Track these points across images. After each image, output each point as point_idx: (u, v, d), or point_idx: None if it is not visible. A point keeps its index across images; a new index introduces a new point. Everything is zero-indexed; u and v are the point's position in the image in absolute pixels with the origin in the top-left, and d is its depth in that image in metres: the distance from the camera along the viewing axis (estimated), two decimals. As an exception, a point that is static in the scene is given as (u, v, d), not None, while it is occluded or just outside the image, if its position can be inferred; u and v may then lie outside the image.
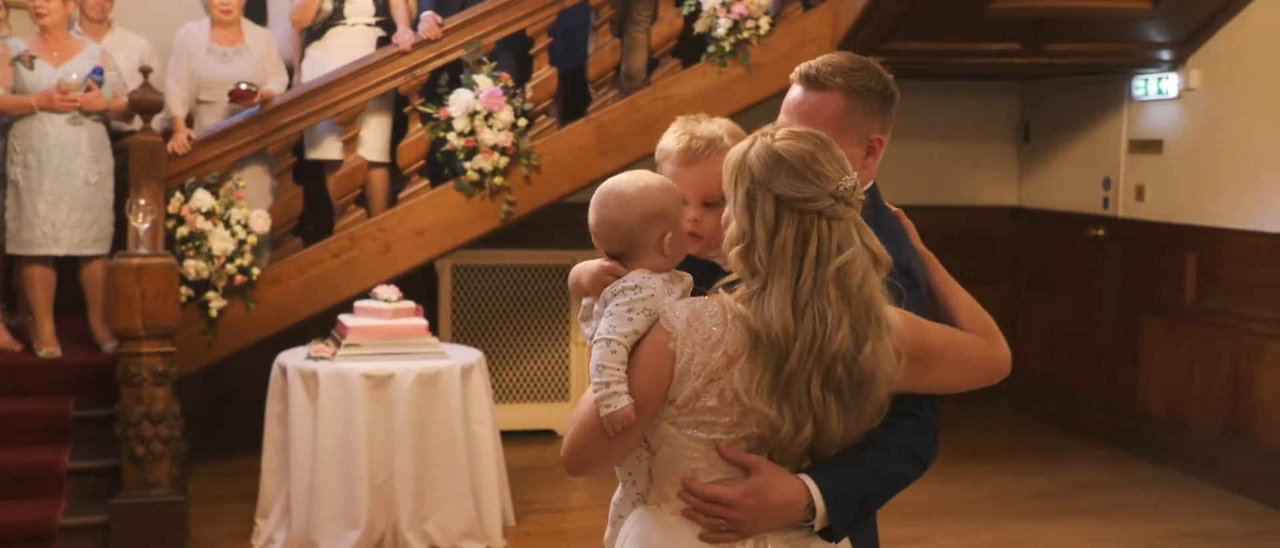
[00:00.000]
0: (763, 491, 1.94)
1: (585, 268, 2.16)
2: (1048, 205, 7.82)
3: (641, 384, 1.94)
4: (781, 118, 2.27)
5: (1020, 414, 7.80)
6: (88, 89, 5.51)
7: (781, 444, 1.94)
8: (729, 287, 1.97)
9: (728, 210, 1.98)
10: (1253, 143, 6.14)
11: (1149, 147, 6.91)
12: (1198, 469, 6.39)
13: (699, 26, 6.07)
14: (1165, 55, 6.56)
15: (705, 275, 2.12)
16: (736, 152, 1.99)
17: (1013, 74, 7.64)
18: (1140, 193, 6.96)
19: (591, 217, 2.15)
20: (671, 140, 2.30)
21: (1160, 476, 6.47)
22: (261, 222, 5.71)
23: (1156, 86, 6.79)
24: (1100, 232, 7.23)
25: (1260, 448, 6.03)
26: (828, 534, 2.02)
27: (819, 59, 2.26)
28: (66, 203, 5.47)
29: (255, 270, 5.71)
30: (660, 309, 1.99)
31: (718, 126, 2.28)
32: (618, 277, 2.08)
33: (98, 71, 5.56)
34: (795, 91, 2.25)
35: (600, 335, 1.99)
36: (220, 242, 5.56)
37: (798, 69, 2.26)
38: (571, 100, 6.36)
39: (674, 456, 1.98)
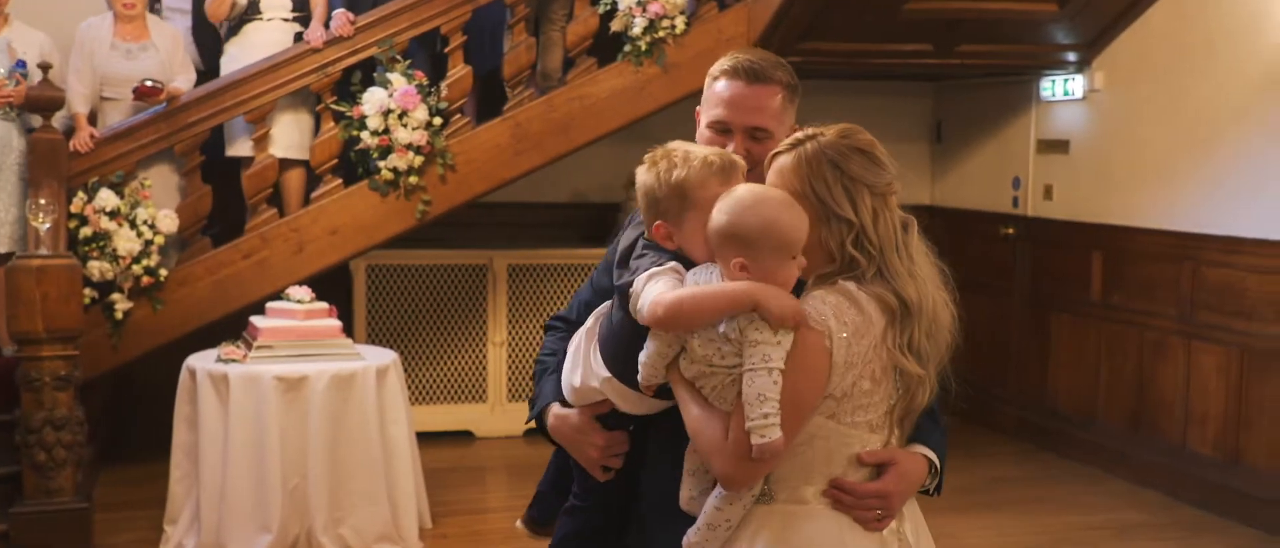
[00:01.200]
0: (906, 474, 2.14)
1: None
2: (960, 205, 7.96)
3: (805, 390, 1.98)
4: (718, 112, 2.28)
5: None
6: (18, 83, 5.38)
7: (916, 407, 2.11)
8: (821, 279, 2.06)
9: (815, 208, 2.04)
10: (1154, 143, 6.30)
11: (1056, 147, 7.06)
12: (1105, 463, 6.54)
13: (614, 25, 6.07)
14: (1071, 57, 6.71)
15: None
16: (809, 154, 2.07)
17: (925, 75, 7.76)
18: (1048, 192, 7.10)
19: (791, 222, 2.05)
20: (730, 59, 2.32)
21: (1069, 470, 6.62)
22: (169, 222, 5.59)
23: (1063, 88, 6.94)
24: (1011, 230, 7.37)
25: (1163, 442, 6.18)
26: (926, 493, 2.28)
27: (744, 54, 2.30)
28: (3, 200, 5.35)
29: (163, 272, 5.60)
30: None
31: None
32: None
33: (21, 64, 5.41)
34: (735, 87, 2.27)
35: (766, 363, 1.94)
36: (125, 242, 5.43)
37: (732, 65, 2.28)
38: (487, 99, 6.32)
39: (829, 448, 2.06)
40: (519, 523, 2.67)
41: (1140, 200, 6.38)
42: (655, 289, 2.03)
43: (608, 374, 2.22)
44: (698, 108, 2.38)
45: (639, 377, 2.13)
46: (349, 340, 5.20)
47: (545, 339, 2.54)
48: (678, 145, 2.16)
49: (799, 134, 2.13)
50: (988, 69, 7.13)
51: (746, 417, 1.95)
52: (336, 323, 5.18)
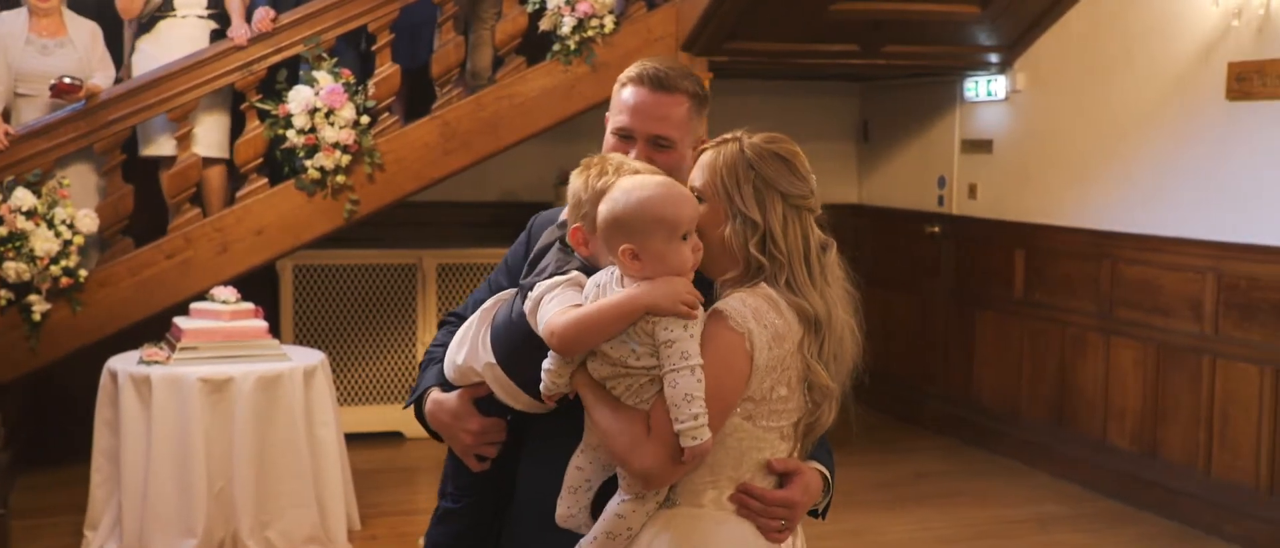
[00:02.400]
0: (809, 487, 2.13)
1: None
2: (886, 203, 8.06)
3: (726, 389, 1.97)
4: (622, 119, 2.28)
5: (859, 406, 7.98)
6: None
7: (820, 423, 2.12)
8: (736, 282, 2.07)
9: (723, 205, 2.05)
10: (1073, 143, 6.43)
11: (980, 146, 7.18)
12: (1028, 457, 6.66)
13: (543, 25, 6.06)
14: (993, 58, 6.83)
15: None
16: (727, 153, 2.08)
17: (852, 75, 7.85)
18: (972, 191, 7.22)
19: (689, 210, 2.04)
20: (637, 67, 2.32)
21: (993, 464, 6.73)
22: (88, 221, 5.49)
23: (986, 89, 7.06)
24: (936, 229, 7.48)
25: (1083, 436, 6.32)
26: (814, 514, 2.25)
27: (653, 63, 2.31)
28: None
29: (82, 272, 5.49)
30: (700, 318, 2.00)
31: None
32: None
33: None
34: (641, 95, 2.27)
35: (686, 360, 1.93)
36: (43, 242, 5.32)
37: (639, 72, 2.29)
38: (416, 98, 6.29)
39: (740, 451, 2.04)
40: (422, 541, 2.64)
41: (1060, 199, 6.51)
42: (551, 310, 2.02)
43: (492, 360, 2.19)
44: (607, 114, 2.38)
45: (541, 387, 2.08)
46: (275, 341, 5.14)
47: (439, 336, 2.52)
48: (615, 156, 2.16)
49: (727, 134, 2.14)
50: (913, 70, 7.23)
51: (675, 419, 1.92)
52: (263, 324, 5.12)
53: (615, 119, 2.30)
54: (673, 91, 2.28)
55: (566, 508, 2.14)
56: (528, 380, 2.13)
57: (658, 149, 2.27)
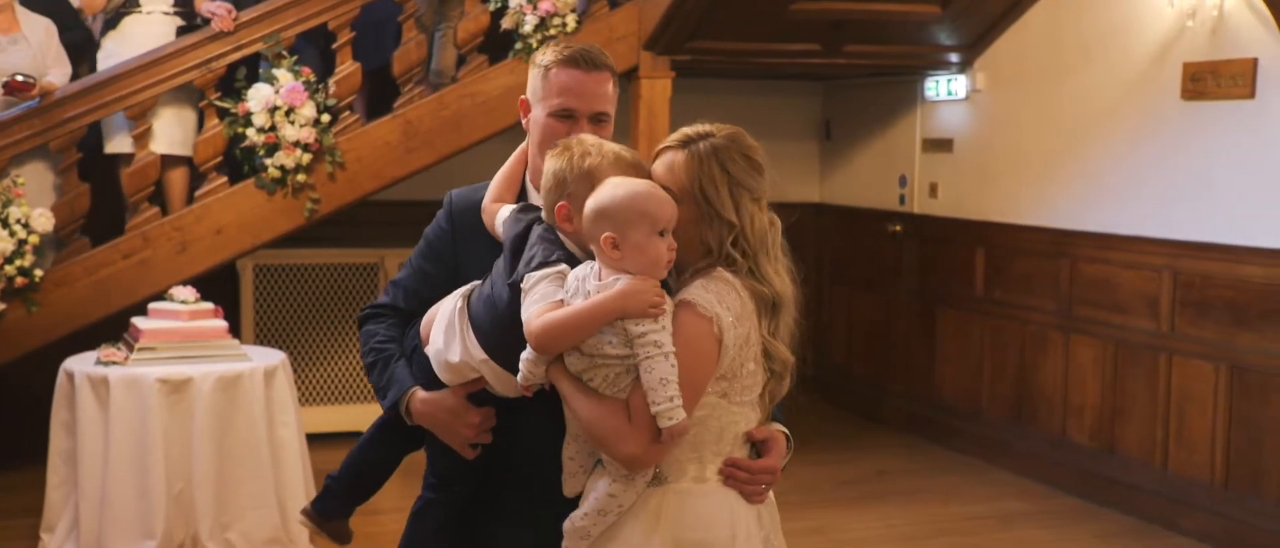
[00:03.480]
0: (781, 450, 2.31)
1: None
2: (848, 202, 8.10)
3: (698, 373, 2.11)
4: (563, 100, 2.37)
5: (823, 405, 8.05)
6: None
7: (781, 391, 2.27)
8: (697, 271, 2.19)
9: (698, 207, 2.17)
10: (1033, 142, 6.49)
11: (940, 146, 7.23)
12: (988, 454, 6.71)
13: (505, 23, 6.05)
14: (954, 58, 6.88)
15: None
16: (701, 156, 2.18)
17: (813, 74, 7.88)
18: (934, 190, 7.27)
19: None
20: (562, 49, 2.40)
21: (954, 461, 6.78)
22: (44, 220, 5.42)
23: (946, 88, 7.11)
24: (898, 227, 7.52)
25: (1043, 433, 6.38)
26: None
27: (568, 45, 2.42)
28: None
29: (38, 272, 5.42)
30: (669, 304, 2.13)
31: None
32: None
33: None
34: (576, 75, 2.38)
35: (659, 348, 2.06)
36: (-3, 242, 5.25)
37: (568, 55, 2.39)
38: (377, 97, 6.25)
39: (720, 427, 2.19)
40: (301, 515, 2.69)
41: (1020, 198, 6.57)
42: (532, 306, 2.12)
43: (484, 357, 2.27)
44: (523, 97, 2.45)
45: (518, 378, 2.19)
46: (235, 341, 5.10)
47: (373, 328, 2.54)
48: (590, 138, 2.27)
49: (689, 130, 2.24)
50: (874, 69, 7.27)
51: (652, 402, 2.06)
52: (222, 324, 5.08)
53: (552, 101, 2.39)
54: (603, 69, 2.40)
55: (571, 489, 2.29)
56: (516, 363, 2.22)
57: (598, 125, 2.40)
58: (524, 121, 2.48)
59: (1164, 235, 5.66)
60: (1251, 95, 5.25)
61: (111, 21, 5.91)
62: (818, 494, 6.00)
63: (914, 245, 7.42)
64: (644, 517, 2.18)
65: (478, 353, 2.27)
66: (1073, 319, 6.17)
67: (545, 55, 2.42)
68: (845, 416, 7.83)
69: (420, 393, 2.38)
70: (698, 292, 2.14)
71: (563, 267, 2.17)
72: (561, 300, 2.13)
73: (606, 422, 2.11)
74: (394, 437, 2.56)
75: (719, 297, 2.14)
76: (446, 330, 2.33)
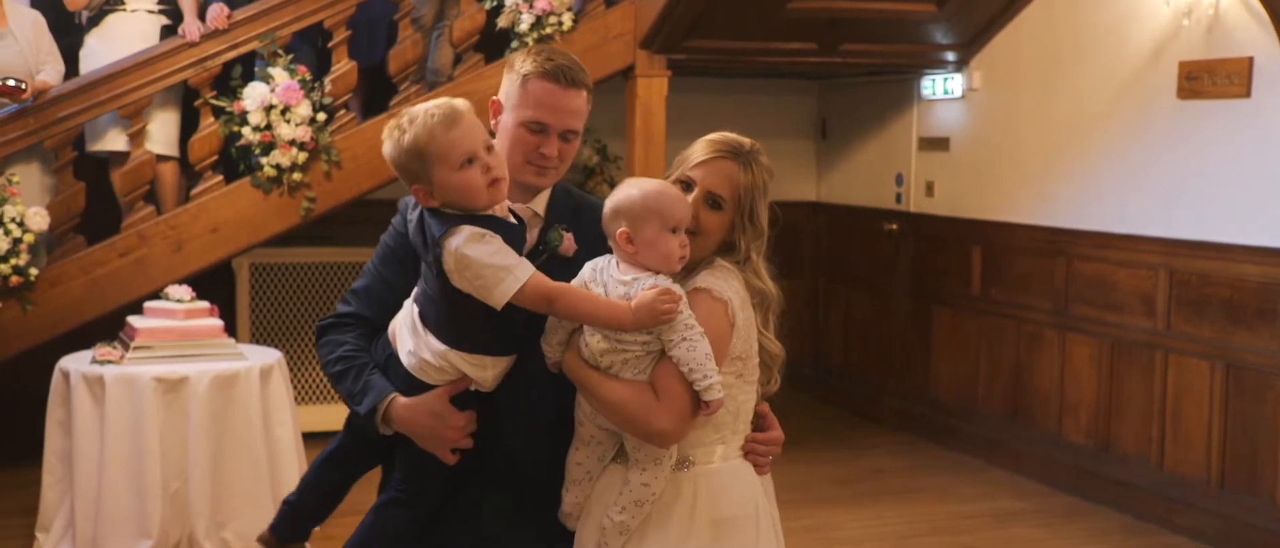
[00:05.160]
0: (777, 422, 2.46)
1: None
2: (845, 201, 8.10)
3: (717, 353, 2.21)
4: (535, 114, 2.37)
5: (819, 403, 8.05)
6: None
7: (775, 386, 2.40)
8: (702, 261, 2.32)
9: (739, 215, 2.31)
10: (1029, 140, 6.49)
11: (937, 144, 7.23)
12: (984, 453, 6.72)
13: (501, 21, 6.04)
14: (950, 57, 6.88)
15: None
16: (757, 172, 2.33)
17: (810, 73, 7.88)
18: (930, 189, 7.27)
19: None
20: (543, 61, 2.41)
21: (949, 459, 6.79)
22: (39, 219, 5.41)
23: (943, 87, 7.11)
24: (894, 226, 7.52)
25: (1039, 431, 6.38)
26: None
27: (548, 55, 2.41)
28: None
29: (33, 271, 5.41)
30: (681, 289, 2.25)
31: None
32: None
33: None
34: (553, 90, 2.37)
35: (692, 328, 2.18)
36: (-8, 240, 5.24)
37: (549, 67, 2.38)
38: (373, 95, 6.24)
39: (737, 406, 2.31)
40: (258, 541, 2.68)
41: (1016, 197, 6.57)
42: (490, 255, 2.18)
43: (443, 347, 2.29)
44: (496, 98, 2.45)
45: (547, 360, 2.30)
46: (231, 340, 5.09)
47: (338, 337, 2.51)
48: (408, 111, 2.28)
49: (733, 139, 2.35)
50: (870, 68, 7.27)
51: (702, 378, 2.17)
52: (218, 322, 5.07)
53: (525, 111, 2.38)
54: (579, 86, 2.40)
55: (572, 500, 2.35)
56: (483, 341, 2.28)
57: (566, 142, 2.41)
58: (493, 122, 2.47)
59: (1160, 234, 5.67)
60: (1247, 94, 5.26)
61: (95, 19, 5.90)
62: (813, 493, 6.00)
63: (910, 244, 7.42)
64: (679, 504, 2.27)
65: (438, 346, 2.29)
66: (1069, 318, 6.18)
67: (525, 63, 2.41)
68: (841, 414, 7.84)
69: (401, 399, 2.35)
70: (709, 279, 2.27)
71: (470, 228, 2.20)
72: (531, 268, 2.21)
73: (636, 402, 2.21)
74: (352, 457, 2.56)
75: (728, 284, 2.27)
76: (412, 333, 2.34)
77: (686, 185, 2.32)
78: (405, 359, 2.35)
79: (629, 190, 2.26)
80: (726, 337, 2.25)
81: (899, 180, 7.52)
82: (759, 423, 2.42)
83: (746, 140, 2.37)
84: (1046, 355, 6.32)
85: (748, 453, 2.36)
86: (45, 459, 4.89)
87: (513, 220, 2.29)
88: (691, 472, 2.29)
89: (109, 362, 4.79)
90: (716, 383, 2.19)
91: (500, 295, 2.18)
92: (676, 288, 2.21)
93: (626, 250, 2.23)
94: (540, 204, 2.46)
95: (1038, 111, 6.44)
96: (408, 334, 2.35)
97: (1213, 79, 5.39)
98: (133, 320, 5.04)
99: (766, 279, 2.35)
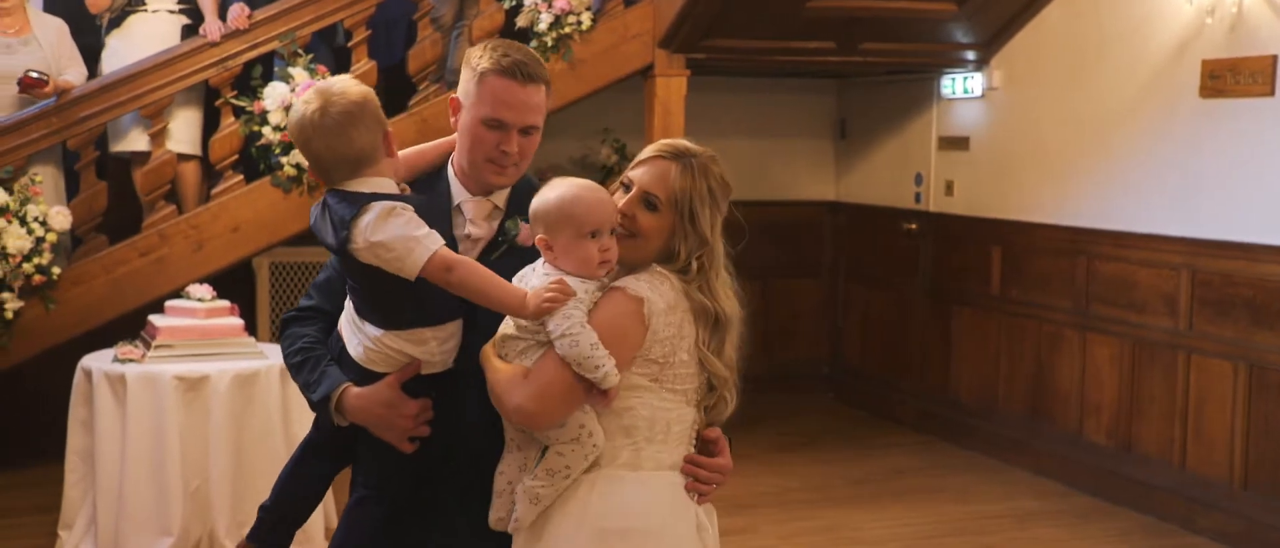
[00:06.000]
0: (728, 451, 2.40)
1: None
2: (863, 200, 8.07)
3: (618, 351, 2.18)
4: (494, 111, 2.37)
5: (837, 403, 8.03)
6: None
7: (724, 408, 2.34)
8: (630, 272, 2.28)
9: (678, 219, 2.27)
10: (1050, 139, 6.46)
11: (957, 143, 7.20)
12: (1004, 453, 6.69)
13: (520, 21, 6.05)
14: (970, 56, 6.85)
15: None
16: (696, 175, 2.28)
17: (829, 72, 7.86)
18: (949, 188, 7.25)
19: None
20: (500, 57, 2.40)
21: (970, 460, 6.76)
22: (61, 219, 5.44)
23: (963, 86, 7.08)
24: (913, 226, 7.50)
25: (1059, 431, 6.35)
26: None
27: (505, 50, 2.40)
28: None
29: (56, 270, 5.44)
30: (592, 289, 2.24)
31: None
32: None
33: None
34: (511, 87, 2.37)
35: (571, 320, 2.16)
36: (15, 240, 5.28)
37: (506, 63, 2.38)
38: (392, 95, 6.26)
39: (651, 414, 2.25)
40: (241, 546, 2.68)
41: (1037, 196, 6.54)
42: (411, 231, 2.22)
43: (379, 332, 2.33)
44: (454, 95, 2.46)
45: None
46: (252, 339, 5.11)
47: (299, 331, 2.52)
48: (294, 109, 2.35)
49: (677, 144, 2.34)
50: (890, 67, 7.25)
51: (594, 368, 2.15)
52: (238, 321, 5.09)
53: (483, 109, 2.39)
54: (537, 82, 2.40)
55: (497, 513, 2.34)
56: (408, 315, 2.31)
57: (526, 137, 2.42)
58: (453, 120, 2.47)
59: (1182, 233, 5.63)
60: (1271, 93, 5.22)
61: (116, 20, 5.93)
62: (831, 493, 5.99)
63: (929, 244, 7.40)
64: (571, 504, 2.24)
65: (373, 332, 2.33)
66: (1090, 318, 6.15)
67: (481, 59, 2.40)
68: (859, 414, 7.81)
69: (353, 389, 2.37)
70: (629, 280, 2.24)
71: (383, 203, 2.23)
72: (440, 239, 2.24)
73: (506, 379, 2.22)
74: (322, 456, 2.56)
75: (652, 286, 2.23)
76: (353, 328, 2.39)
77: (626, 187, 2.33)
78: (353, 352, 2.38)
79: (546, 194, 2.25)
80: (635, 335, 2.20)
81: (918, 180, 7.50)
82: (707, 449, 2.36)
83: (701, 148, 2.33)
84: (1067, 356, 6.29)
85: (688, 472, 2.31)
86: (67, 457, 4.92)
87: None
88: (594, 474, 2.25)
89: (130, 360, 4.82)
90: (610, 371, 2.15)
91: (412, 265, 2.20)
92: (585, 285, 2.22)
93: (548, 257, 2.25)
94: (500, 197, 2.48)
95: (1059, 110, 6.41)
96: (351, 330, 2.39)
97: (1236, 78, 5.35)
98: (154, 319, 5.06)
99: (718, 296, 2.27)
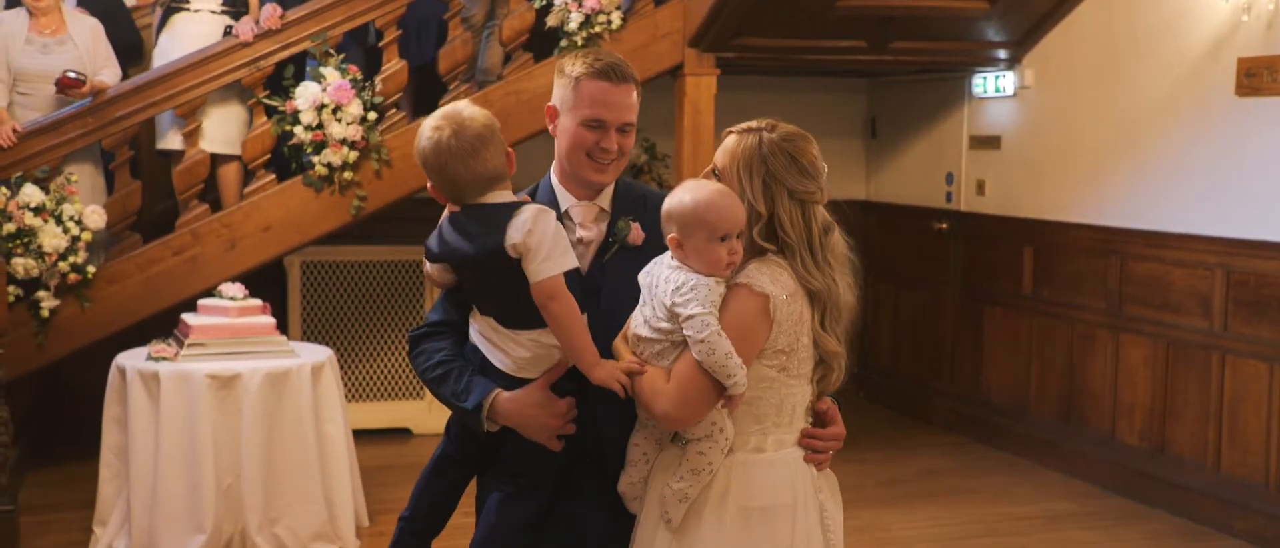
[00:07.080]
0: (840, 418, 2.53)
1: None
2: (895, 199, 8.04)
3: (746, 347, 2.28)
4: (593, 111, 2.49)
5: (869, 403, 8.00)
6: None
7: (831, 378, 2.43)
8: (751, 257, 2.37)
9: (738, 191, 2.35)
10: (1082, 138, 6.41)
11: (988, 143, 7.16)
12: (1036, 454, 6.64)
13: (551, 20, 6.06)
14: (1002, 54, 6.81)
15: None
16: (746, 145, 2.37)
17: (860, 71, 7.83)
18: (981, 187, 7.20)
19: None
20: (592, 62, 2.54)
21: (1001, 460, 6.72)
22: (96, 218, 5.49)
23: (994, 85, 7.04)
24: (944, 225, 7.46)
25: (1092, 432, 6.30)
26: None
27: (597, 55, 2.55)
28: None
29: (91, 268, 5.50)
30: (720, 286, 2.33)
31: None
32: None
33: None
34: (606, 88, 2.50)
35: (710, 328, 2.26)
36: (51, 238, 5.33)
37: (600, 67, 2.51)
38: (423, 94, 6.28)
39: (779, 399, 2.37)
40: None
41: (1069, 195, 6.49)
42: (553, 226, 2.41)
43: (534, 333, 2.46)
44: (551, 104, 2.58)
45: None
46: (283, 338, 5.14)
47: (434, 345, 2.62)
48: (455, 110, 2.50)
49: (756, 122, 2.43)
50: (921, 66, 7.21)
51: (726, 376, 2.26)
52: (270, 320, 5.12)
53: (582, 111, 2.51)
54: (629, 81, 2.54)
55: (628, 481, 2.48)
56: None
57: (624, 135, 2.55)
58: (551, 128, 2.60)
59: (1217, 233, 5.57)
60: (1308, 91, 5.16)
61: (164, 20, 5.99)
62: (864, 493, 5.97)
63: (961, 243, 7.36)
64: (714, 490, 2.36)
65: (527, 337, 2.46)
66: (1123, 318, 6.09)
67: (574, 65, 2.54)
68: (891, 414, 7.78)
69: (504, 393, 2.48)
70: (752, 273, 2.33)
71: (534, 206, 2.43)
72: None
73: (649, 383, 2.34)
74: (454, 467, 2.66)
75: (772, 277, 2.32)
76: (492, 345, 2.50)
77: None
78: (500, 364, 2.49)
79: (681, 196, 2.35)
80: (762, 330, 2.31)
81: (949, 179, 7.46)
82: (821, 419, 2.48)
83: (773, 124, 2.42)
84: (1100, 356, 6.24)
85: (805, 446, 2.43)
86: (102, 454, 4.96)
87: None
88: (729, 459, 2.37)
89: (164, 358, 4.86)
90: (740, 379, 2.26)
91: (543, 271, 2.36)
92: (717, 285, 2.31)
93: (677, 254, 2.35)
94: (605, 199, 2.59)
95: (1091, 109, 6.36)
96: (490, 345, 2.50)
97: (1273, 76, 5.29)
98: (187, 318, 5.10)
99: (814, 276, 2.36)
